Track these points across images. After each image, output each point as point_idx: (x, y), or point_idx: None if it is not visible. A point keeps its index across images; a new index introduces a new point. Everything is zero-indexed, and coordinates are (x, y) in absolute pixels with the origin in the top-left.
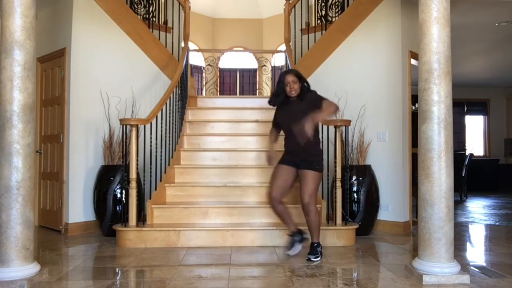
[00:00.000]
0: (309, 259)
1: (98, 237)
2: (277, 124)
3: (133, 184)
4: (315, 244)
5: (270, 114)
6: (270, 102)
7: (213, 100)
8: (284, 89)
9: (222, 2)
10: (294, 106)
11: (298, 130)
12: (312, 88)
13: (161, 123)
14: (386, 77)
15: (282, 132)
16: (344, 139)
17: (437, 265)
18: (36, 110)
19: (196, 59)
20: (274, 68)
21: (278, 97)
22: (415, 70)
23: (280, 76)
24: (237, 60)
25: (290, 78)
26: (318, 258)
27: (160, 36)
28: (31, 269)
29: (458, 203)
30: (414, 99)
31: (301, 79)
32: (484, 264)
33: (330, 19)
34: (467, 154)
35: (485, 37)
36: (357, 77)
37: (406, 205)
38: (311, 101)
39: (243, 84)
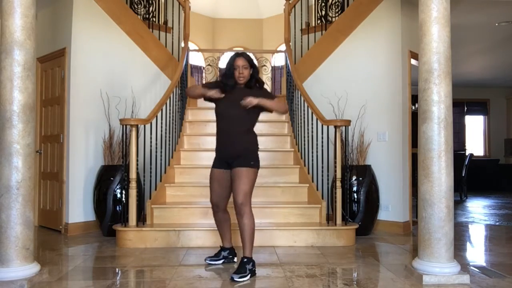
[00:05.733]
0: (232, 279)
1: (98, 237)
2: (218, 116)
3: (133, 184)
4: (245, 260)
5: (270, 114)
6: (219, 85)
7: None
8: (233, 74)
9: (222, 2)
10: (240, 93)
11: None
12: (312, 88)
13: (161, 123)
14: (386, 77)
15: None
16: (344, 139)
17: (437, 265)
18: (36, 110)
19: (196, 59)
20: (274, 68)
21: (228, 80)
22: (415, 70)
23: (230, 59)
24: None
25: (240, 62)
26: (246, 278)
27: (160, 36)
28: (31, 269)
29: (458, 203)
30: (414, 99)
31: (253, 67)
32: (484, 264)
33: (330, 19)
34: (467, 154)
35: (485, 37)
36: (357, 77)
37: (406, 205)
38: (261, 94)
39: None
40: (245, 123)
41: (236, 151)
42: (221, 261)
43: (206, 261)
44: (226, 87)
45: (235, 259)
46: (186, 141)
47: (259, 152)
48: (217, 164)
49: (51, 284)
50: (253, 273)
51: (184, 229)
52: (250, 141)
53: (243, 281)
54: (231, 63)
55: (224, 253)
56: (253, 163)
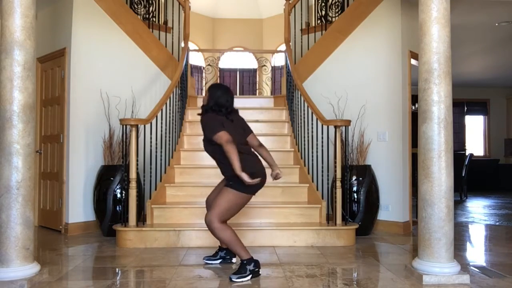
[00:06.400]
0: (229, 279)
1: (98, 237)
2: None
3: (133, 184)
4: (244, 262)
5: (271, 114)
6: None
7: None
8: None
9: (222, 2)
10: None
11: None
12: (312, 88)
13: (161, 123)
14: (386, 77)
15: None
16: (344, 139)
17: (437, 265)
18: (36, 110)
19: (196, 59)
20: (274, 68)
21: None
22: (415, 70)
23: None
24: (237, 60)
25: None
26: (244, 279)
27: (160, 36)
28: (31, 269)
29: (458, 203)
30: (414, 99)
31: (210, 95)
32: (484, 264)
33: (330, 19)
34: (467, 154)
35: (485, 37)
36: (357, 77)
37: (406, 205)
38: (203, 125)
39: (243, 84)
40: (214, 156)
41: (224, 174)
42: (218, 261)
43: (204, 260)
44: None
45: (234, 260)
46: (186, 141)
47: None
48: None
49: (51, 284)
50: (255, 273)
51: (184, 229)
52: (224, 166)
53: (241, 281)
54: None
55: (221, 253)
56: (232, 183)
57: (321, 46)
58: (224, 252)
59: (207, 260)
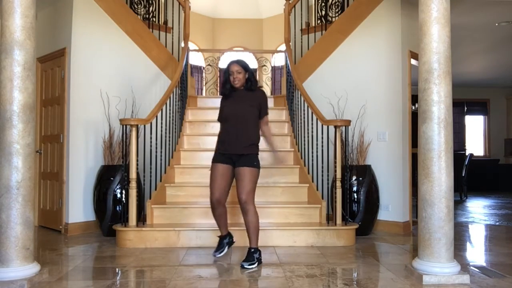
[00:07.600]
0: (242, 267)
1: (98, 237)
2: (223, 118)
3: (133, 184)
4: (252, 250)
5: (270, 114)
6: (220, 93)
7: (213, 100)
8: (229, 79)
9: (222, 2)
10: (241, 95)
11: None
12: (312, 88)
13: (161, 123)
14: (386, 77)
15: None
16: (344, 139)
17: (437, 265)
18: (36, 110)
19: (196, 59)
20: (274, 68)
21: (225, 86)
22: (415, 70)
23: (227, 65)
24: None
25: (234, 67)
26: (254, 265)
27: (160, 36)
28: (31, 269)
29: (458, 203)
30: (414, 99)
31: (247, 71)
32: (484, 264)
33: (330, 19)
34: (467, 154)
35: (485, 37)
36: (357, 77)
37: (406, 205)
38: (258, 100)
39: None
40: (250, 122)
41: (241, 149)
42: (226, 248)
43: (216, 256)
44: (227, 92)
45: (234, 239)
46: (186, 141)
47: (263, 152)
48: (220, 159)
49: (51, 284)
50: (259, 261)
51: (184, 229)
52: (254, 140)
53: (252, 268)
54: (226, 69)
55: (226, 240)
56: (256, 163)
57: (321, 46)
58: (227, 238)
59: (217, 254)
